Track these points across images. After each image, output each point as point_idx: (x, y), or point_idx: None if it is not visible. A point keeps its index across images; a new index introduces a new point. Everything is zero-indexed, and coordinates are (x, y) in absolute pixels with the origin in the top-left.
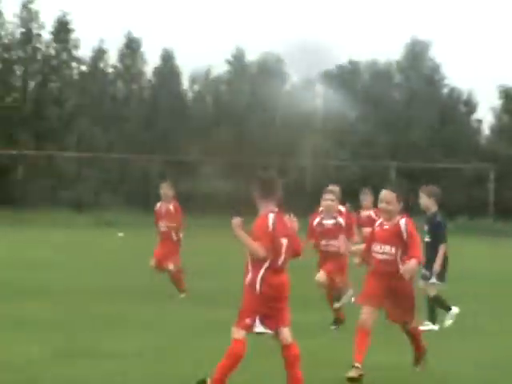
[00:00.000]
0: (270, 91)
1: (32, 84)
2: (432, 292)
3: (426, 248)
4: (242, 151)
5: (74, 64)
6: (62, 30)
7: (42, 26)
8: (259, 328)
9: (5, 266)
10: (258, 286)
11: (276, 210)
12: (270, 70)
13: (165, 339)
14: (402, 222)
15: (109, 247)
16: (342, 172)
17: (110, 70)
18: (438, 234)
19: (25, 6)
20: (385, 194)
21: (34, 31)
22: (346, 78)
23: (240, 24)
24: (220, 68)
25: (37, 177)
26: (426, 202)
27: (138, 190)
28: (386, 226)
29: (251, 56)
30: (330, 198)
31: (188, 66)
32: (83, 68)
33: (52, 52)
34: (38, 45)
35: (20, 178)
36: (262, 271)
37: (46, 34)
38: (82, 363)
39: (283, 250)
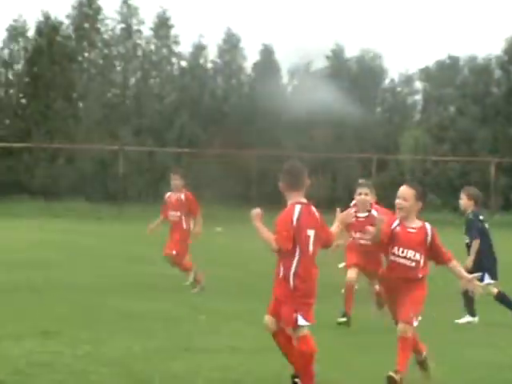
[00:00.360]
0: (369, 87)
1: (132, 80)
2: (493, 290)
3: (467, 250)
4: (340, 146)
5: (173, 60)
6: (163, 25)
7: (141, 22)
8: (302, 322)
9: (111, 259)
10: (291, 281)
11: (303, 200)
12: (369, 66)
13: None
14: (428, 225)
15: (206, 242)
16: (440, 167)
17: (210, 66)
18: (469, 232)
19: (125, 2)
20: (403, 189)
21: (134, 27)
22: (445, 73)
23: (340, 20)
24: (319, 63)
25: (137, 172)
26: (466, 203)
27: (237, 185)
28: (412, 230)
29: (351, 52)
30: (364, 192)
31: (287, 62)
32: (183, 64)
33: (152, 48)
34: (138, 41)
35: (121, 173)
36: (293, 264)
37: (146, 30)
38: (187, 358)
39: (310, 241)
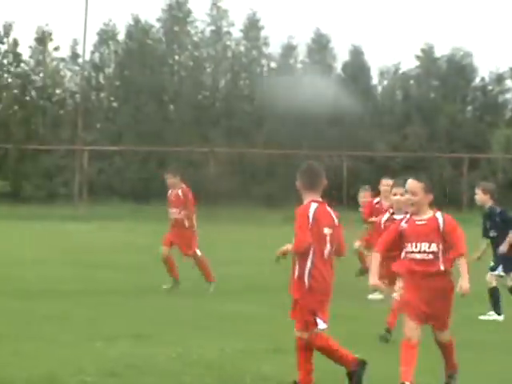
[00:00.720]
0: (459, 85)
1: (222, 82)
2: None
3: (492, 243)
4: (432, 146)
5: (263, 61)
6: (252, 27)
7: (231, 24)
8: (322, 325)
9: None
10: (306, 280)
11: (320, 199)
12: (459, 64)
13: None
14: (439, 214)
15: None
16: None
17: (299, 66)
18: (506, 223)
19: (214, 4)
20: (410, 183)
21: (224, 29)
22: None
23: (429, 19)
24: (409, 63)
25: (228, 174)
26: (481, 197)
27: (327, 186)
28: (421, 222)
29: (440, 51)
30: (400, 192)
31: (377, 62)
32: (273, 65)
33: (242, 49)
34: (228, 42)
35: (212, 175)
36: (308, 263)
37: (236, 32)
38: (277, 359)
39: (327, 239)
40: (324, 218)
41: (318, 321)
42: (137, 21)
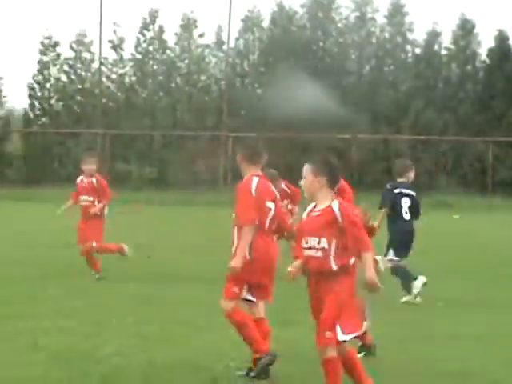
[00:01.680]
0: None
1: (367, 68)
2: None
3: None
4: None
5: (408, 47)
6: (397, 13)
7: (376, 10)
8: (247, 296)
9: None
10: (247, 252)
11: (260, 174)
12: None
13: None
14: (335, 204)
15: (443, 229)
16: None
17: (444, 53)
18: None
19: None
20: (304, 169)
21: (369, 15)
22: None
23: None
24: None
25: (371, 160)
26: None
27: (472, 172)
28: (315, 213)
29: None
30: None
31: None
32: (417, 51)
33: (386, 35)
34: (372, 29)
35: (355, 161)
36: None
37: (380, 18)
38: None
39: (270, 213)
40: (266, 192)
41: (245, 292)
42: (281, 7)
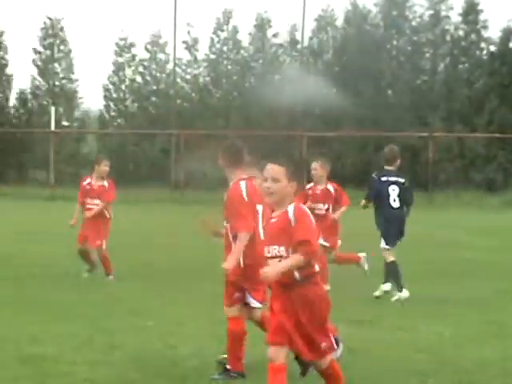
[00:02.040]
0: None
1: (441, 66)
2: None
3: None
4: None
5: (482, 45)
6: (471, 11)
7: (450, 8)
8: (254, 303)
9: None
10: (241, 259)
11: (246, 176)
12: None
13: None
14: (291, 207)
15: None
16: None
17: None
18: None
19: None
20: (270, 168)
21: (443, 13)
22: None
23: None
24: None
25: (447, 159)
26: None
27: None
28: (274, 220)
29: None
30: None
31: None
32: (492, 48)
33: (461, 33)
34: (446, 27)
35: (431, 160)
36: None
37: (455, 16)
38: (496, 344)
39: (259, 217)
40: (255, 194)
41: (251, 299)
42: (355, 6)
